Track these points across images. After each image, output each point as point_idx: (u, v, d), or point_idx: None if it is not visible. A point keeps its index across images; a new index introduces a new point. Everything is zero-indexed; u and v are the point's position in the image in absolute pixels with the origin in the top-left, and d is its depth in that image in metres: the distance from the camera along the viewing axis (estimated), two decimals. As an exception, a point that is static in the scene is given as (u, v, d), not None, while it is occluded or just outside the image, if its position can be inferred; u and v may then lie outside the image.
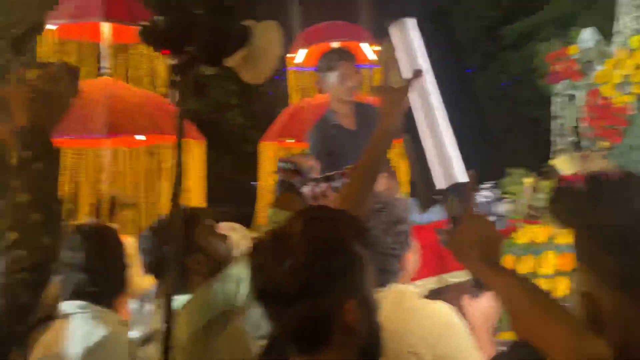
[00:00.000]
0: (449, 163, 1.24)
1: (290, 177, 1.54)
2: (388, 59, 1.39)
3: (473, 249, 1.03)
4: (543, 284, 2.19)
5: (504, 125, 9.48)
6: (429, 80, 1.33)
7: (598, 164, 3.68)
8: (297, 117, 4.63)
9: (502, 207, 1.31)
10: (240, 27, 1.08)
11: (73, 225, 1.61)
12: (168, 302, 1.05)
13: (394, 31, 1.41)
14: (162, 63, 3.86)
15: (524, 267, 2.30)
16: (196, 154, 3.91)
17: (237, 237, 3.16)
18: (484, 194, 1.33)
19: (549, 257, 2.33)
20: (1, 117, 0.99)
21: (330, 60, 2.80)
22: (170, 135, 3.73)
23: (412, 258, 1.54)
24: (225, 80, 8.73)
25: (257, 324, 1.55)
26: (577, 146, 4.10)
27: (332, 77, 2.77)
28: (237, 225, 3.33)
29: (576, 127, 4.11)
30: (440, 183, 1.25)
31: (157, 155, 3.90)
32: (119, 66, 3.81)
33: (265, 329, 1.55)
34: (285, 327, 0.95)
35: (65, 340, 1.44)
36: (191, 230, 1.56)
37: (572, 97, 4.18)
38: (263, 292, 0.95)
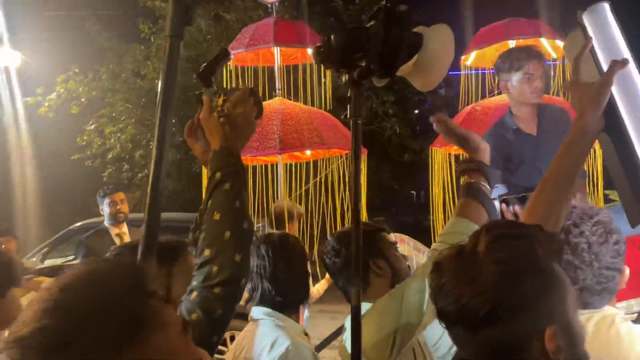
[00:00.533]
0: None
1: (476, 177, 1.43)
2: (579, 51, 1.23)
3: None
4: None
5: None
6: (634, 71, 1.15)
7: None
8: (470, 120, 4.45)
9: None
10: (412, 34, 1.04)
11: (261, 235, 1.71)
12: (356, 312, 1.05)
13: (587, 19, 1.25)
14: (328, 80, 4.03)
15: None
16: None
17: (406, 248, 3.13)
18: None
19: None
20: (196, 139, 1.08)
21: (514, 60, 2.62)
22: (335, 149, 3.87)
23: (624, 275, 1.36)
24: (382, 90, 8.80)
25: (434, 341, 1.48)
26: None
27: (516, 78, 2.59)
28: (405, 237, 3.30)
29: None
30: None
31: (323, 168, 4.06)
32: (290, 86, 4.08)
33: (444, 350, 1.48)
34: (474, 355, 0.88)
35: (253, 346, 1.53)
36: (374, 240, 1.57)
37: None
38: (447, 314, 0.89)
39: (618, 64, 1.14)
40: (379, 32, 1.02)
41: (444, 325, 0.91)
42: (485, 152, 1.39)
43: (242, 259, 0.96)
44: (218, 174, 0.99)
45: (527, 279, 0.84)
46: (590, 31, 1.22)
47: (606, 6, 1.22)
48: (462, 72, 5.10)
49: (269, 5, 4.25)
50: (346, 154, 3.95)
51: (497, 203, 1.84)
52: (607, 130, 1.18)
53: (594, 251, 1.28)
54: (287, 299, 1.59)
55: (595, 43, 1.21)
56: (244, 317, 1.62)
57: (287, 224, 3.38)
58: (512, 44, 4.31)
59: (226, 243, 0.96)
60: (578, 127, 1.17)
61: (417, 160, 9.87)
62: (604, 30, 1.21)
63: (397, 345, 1.32)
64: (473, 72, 5.13)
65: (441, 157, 4.82)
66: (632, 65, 1.16)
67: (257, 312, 1.61)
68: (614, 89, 1.15)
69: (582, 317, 1.30)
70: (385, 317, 1.37)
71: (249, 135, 1.09)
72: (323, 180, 4.06)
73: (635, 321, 1.39)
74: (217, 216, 0.96)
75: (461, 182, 1.42)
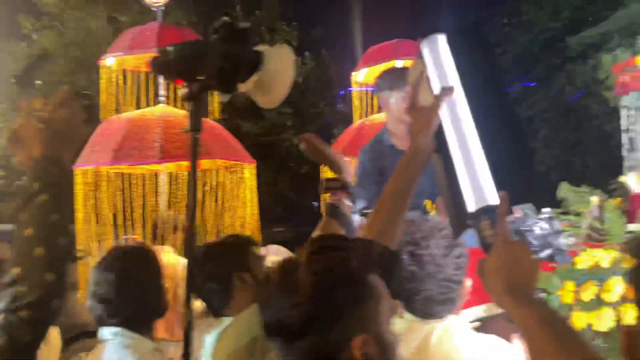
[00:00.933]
0: (479, 184, 1.15)
1: (339, 196, 1.49)
2: (419, 77, 1.33)
3: (501, 279, 0.95)
4: (608, 312, 2.00)
5: (573, 140, 9.00)
6: (460, 98, 1.26)
7: (673, 180, 3.38)
8: (360, 135, 4.62)
9: (565, 240, 1.20)
10: (252, 52, 1.07)
11: (109, 249, 1.63)
12: (187, 333, 1.03)
13: (424, 47, 1.35)
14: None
15: (587, 294, 2.11)
16: (247, 176, 3.96)
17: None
18: (540, 225, 1.23)
19: (614, 284, 2.13)
20: (19, 148, 0.99)
21: (394, 79, 2.74)
22: (221, 159, 3.82)
23: (468, 283, 1.46)
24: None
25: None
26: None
27: (393, 97, 2.72)
28: (282, 249, 3.32)
29: (649, 141, 3.81)
30: (471, 206, 1.16)
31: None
32: (175, 93, 3.96)
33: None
34: None
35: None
36: (240, 253, 1.57)
37: (643, 109, 3.89)
38: (268, 326, 0.90)
39: (447, 91, 1.24)
40: (219, 46, 1.03)
41: (269, 338, 0.92)
42: (349, 173, 1.46)
43: (55, 278, 0.89)
44: (35, 185, 0.92)
45: (341, 290, 0.87)
46: (427, 59, 1.33)
47: (441, 38, 1.34)
48: (354, 89, 5.30)
49: (155, 9, 4.12)
50: (236, 164, 3.93)
51: (357, 217, 1.92)
52: (437, 151, 1.28)
53: (437, 263, 1.36)
54: (136, 315, 1.52)
55: (429, 70, 1.31)
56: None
57: (170, 236, 3.28)
58: (399, 63, 4.53)
59: (37, 261, 0.89)
60: (412, 147, 1.25)
61: (316, 171, 10.05)
62: (438, 59, 1.32)
63: (259, 353, 1.32)
64: (364, 89, 5.35)
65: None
66: (459, 92, 1.27)
67: (105, 332, 1.52)
68: (443, 114, 1.26)
69: (426, 326, 1.39)
70: (245, 328, 1.36)
71: (78, 142, 1.01)
72: (209, 190, 4.00)
73: (477, 330, 1.51)
74: (28, 231, 0.89)
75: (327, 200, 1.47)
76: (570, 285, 2.12)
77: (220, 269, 1.57)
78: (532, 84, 9.85)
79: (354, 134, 4.60)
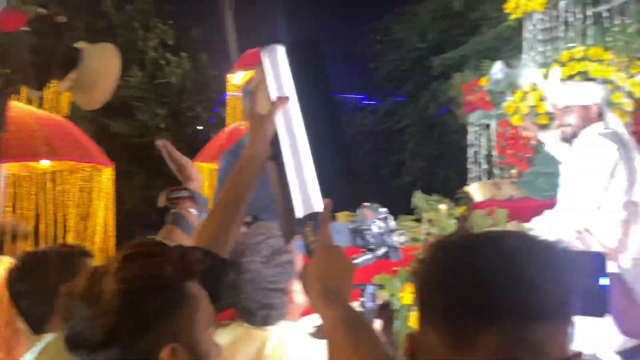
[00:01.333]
0: (307, 192, 1.20)
1: (185, 205, 1.45)
2: (258, 84, 1.35)
3: (317, 283, 0.99)
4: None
5: (436, 152, 9.76)
6: (294, 108, 1.30)
7: (508, 191, 3.81)
8: (230, 140, 4.56)
9: (398, 238, 1.28)
10: (69, 48, 1.00)
11: None
12: None
13: (264, 57, 1.38)
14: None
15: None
16: (103, 180, 3.72)
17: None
18: (377, 224, 1.30)
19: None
20: None
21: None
22: (71, 160, 3.54)
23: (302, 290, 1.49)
24: (154, 103, 8.54)
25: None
26: (490, 173, 4.25)
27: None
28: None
29: (490, 155, 4.26)
30: (299, 212, 1.20)
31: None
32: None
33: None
34: None
35: None
36: (70, 264, 1.45)
37: (487, 127, 4.35)
38: (70, 338, 0.85)
39: (281, 101, 1.27)
40: (29, 39, 0.95)
41: (70, 350, 0.87)
42: (199, 182, 1.43)
43: None
44: None
45: (150, 298, 0.84)
46: (267, 68, 1.36)
47: (280, 48, 1.37)
48: (230, 93, 5.25)
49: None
50: (91, 166, 3.67)
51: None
52: (273, 158, 1.31)
53: (255, 270, 1.38)
54: None
55: (267, 79, 1.34)
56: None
57: (8, 245, 2.97)
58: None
59: None
60: (247, 154, 1.26)
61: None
62: (277, 69, 1.35)
63: None
64: (240, 93, 5.33)
65: (207, 172, 4.85)
66: (293, 103, 1.30)
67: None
68: (278, 123, 1.29)
69: (261, 334, 1.40)
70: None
71: None
72: (61, 194, 3.69)
73: (313, 335, 1.56)
74: None
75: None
76: (409, 287, 2.29)
77: (40, 281, 1.45)
78: (402, 99, 10.54)
79: (225, 138, 4.55)
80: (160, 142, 1.45)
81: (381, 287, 2.12)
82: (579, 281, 0.75)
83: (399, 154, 9.83)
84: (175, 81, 8.70)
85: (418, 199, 3.23)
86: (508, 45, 7.74)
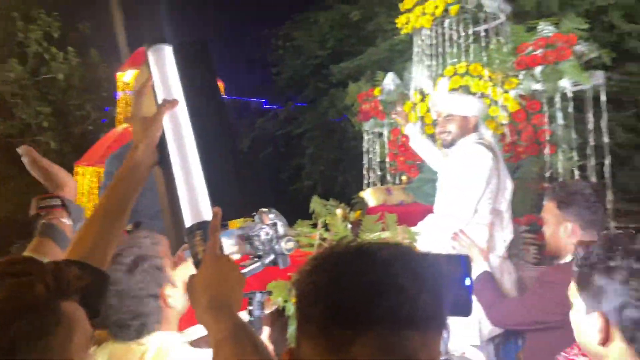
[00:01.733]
0: (196, 199, 1.16)
1: (57, 215, 1.33)
2: (143, 85, 1.28)
3: (206, 295, 0.97)
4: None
5: (334, 158, 9.99)
6: (182, 111, 1.25)
7: (399, 196, 4.00)
8: (119, 142, 4.31)
9: (286, 245, 1.28)
10: None
11: None
12: None
13: (150, 56, 1.31)
14: None
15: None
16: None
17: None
18: (265, 231, 1.29)
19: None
20: None
21: None
22: None
23: (178, 294, 1.44)
24: (36, 100, 7.85)
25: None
26: (383, 179, 4.44)
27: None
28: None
29: (383, 161, 4.46)
30: (188, 220, 1.16)
31: None
32: None
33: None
34: None
35: None
36: None
37: (380, 135, 4.54)
38: None
39: (169, 104, 1.22)
40: None
41: None
42: (72, 189, 1.33)
43: None
44: None
45: (18, 321, 0.77)
46: (153, 68, 1.30)
47: (168, 48, 1.32)
48: (121, 92, 4.99)
49: None
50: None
51: None
52: (160, 163, 1.25)
53: (120, 280, 1.32)
54: None
55: (154, 80, 1.28)
56: None
57: None
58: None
59: None
60: (130, 159, 1.19)
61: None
62: (164, 70, 1.29)
63: None
64: (132, 92, 5.07)
65: (91, 176, 4.57)
66: (182, 106, 1.26)
67: None
68: (165, 126, 1.24)
69: (139, 347, 1.33)
70: None
71: None
72: None
73: (194, 345, 1.52)
74: None
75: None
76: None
77: None
78: (303, 105, 10.69)
79: (113, 140, 4.31)
80: (21, 149, 1.33)
81: (269, 293, 2.12)
82: (448, 287, 0.80)
83: (299, 158, 9.94)
84: (61, 77, 8.04)
85: (315, 203, 3.28)
86: (401, 57, 8.15)
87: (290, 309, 2.32)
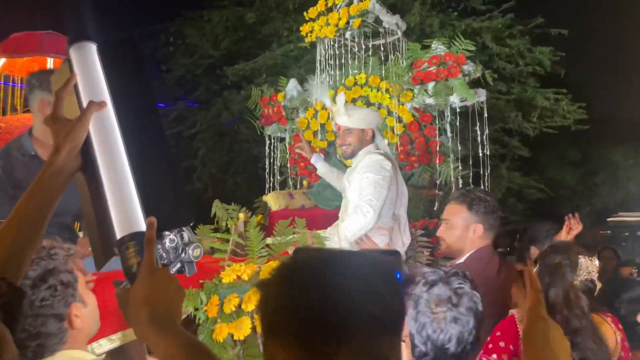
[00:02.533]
0: (127, 208, 1.09)
1: None
2: (64, 85, 1.18)
3: (145, 310, 0.92)
4: (247, 321, 2.20)
5: (226, 160, 9.84)
6: (109, 114, 1.17)
7: (300, 200, 4.08)
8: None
9: (193, 252, 1.24)
10: None
11: None
12: None
13: (73, 53, 1.22)
14: None
15: (229, 306, 2.28)
16: None
17: None
18: (170, 238, 1.24)
19: (253, 294, 2.36)
20: None
21: (44, 80, 2.35)
22: None
23: (88, 314, 1.35)
24: None
25: None
26: (285, 184, 4.49)
27: (45, 99, 2.34)
28: None
29: (285, 166, 4.50)
30: (118, 232, 1.09)
31: None
32: None
33: None
34: None
35: None
36: None
37: (282, 139, 4.58)
38: None
39: (95, 105, 1.14)
40: None
41: None
42: None
43: None
44: None
45: None
46: (76, 67, 1.20)
47: (93, 47, 1.23)
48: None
49: None
50: None
51: None
52: (84, 169, 1.16)
53: (32, 298, 1.24)
54: None
55: (79, 80, 1.19)
56: None
57: None
58: (51, 60, 4.06)
59: None
60: (50, 163, 1.09)
61: None
62: (89, 69, 1.20)
63: None
64: (2, 83, 4.58)
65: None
66: (110, 109, 1.18)
67: None
68: (92, 129, 1.15)
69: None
70: None
71: None
72: None
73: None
74: None
75: None
76: (215, 299, 2.28)
77: None
78: (194, 105, 10.37)
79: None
80: None
81: None
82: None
83: (189, 160, 9.63)
84: None
85: (217, 208, 3.22)
86: (296, 63, 8.29)
87: (201, 317, 2.27)
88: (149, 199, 1.12)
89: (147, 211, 1.09)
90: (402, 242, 3.06)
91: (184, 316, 2.28)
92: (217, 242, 3.12)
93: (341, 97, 3.50)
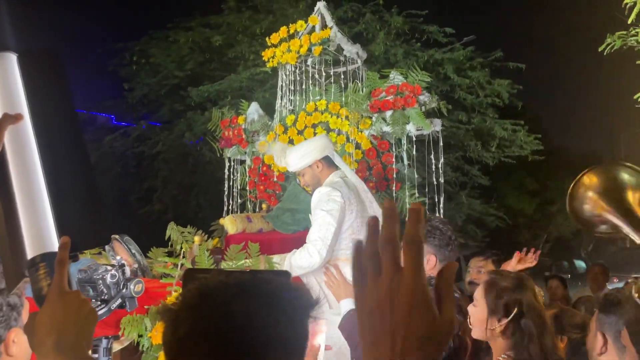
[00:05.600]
0: (40, 226, 1.06)
1: None
2: None
3: (51, 336, 0.88)
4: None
5: (188, 182, 9.72)
6: (27, 127, 1.14)
7: (258, 224, 4.05)
8: None
9: (134, 287, 1.21)
10: None
11: None
12: None
13: None
14: None
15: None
16: None
17: None
18: (111, 274, 1.21)
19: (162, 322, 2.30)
20: None
21: None
22: None
23: (25, 344, 1.29)
24: None
25: None
26: (244, 207, 4.46)
27: None
28: None
29: (245, 189, 4.48)
30: (30, 251, 1.05)
31: None
32: None
33: None
34: None
35: None
36: None
37: (243, 162, 4.57)
38: None
39: (10, 118, 1.11)
40: None
41: None
42: None
43: None
44: None
45: None
46: None
47: (13, 57, 1.20)
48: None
49: None
50: None
51: None
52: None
53: None
54: None
55: None
56: None
57: None
58: None
59: None
60: None
61: None
62: (7, 80, 1.17)
63: None
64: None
65: None
66: (27, 121, 1.15)
67: None
68: (6, 143, 1.12)
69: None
70: None
71: None
72: None
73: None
74: None
75: None
76: (160, 325, 2.22)
77: None
78: (157, 124, 10.25)
79: None
80: None
81: (116, 338, 1.99)
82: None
83: (150, 180, 9.46)
84: None
85: (172, 230, 3.16)
86: (262, 87, 8.34)
87: (145, 344, 2.20)
88: (64, 217, 1.09)
89: (62, 230, 1.06)
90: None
91: (127, 343, 2.21)
92: (170, 265, 3.06)
93: (275, 149, 3.55)
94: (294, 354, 0.74)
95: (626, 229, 0.87)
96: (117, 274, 1.21)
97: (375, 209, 3.07)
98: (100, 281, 1.14)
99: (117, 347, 2.12)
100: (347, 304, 2.55)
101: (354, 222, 2.94)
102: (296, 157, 3.07)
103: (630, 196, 0.91)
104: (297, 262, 2.85)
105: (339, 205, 2.86)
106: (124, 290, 1.23)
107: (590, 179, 0.94)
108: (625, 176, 0.92)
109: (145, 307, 2.23)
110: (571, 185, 0.98)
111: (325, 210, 2.85)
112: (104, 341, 1.21)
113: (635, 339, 1.19)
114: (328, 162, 3.10)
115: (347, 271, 2.88)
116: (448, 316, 0.58)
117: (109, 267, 1.20)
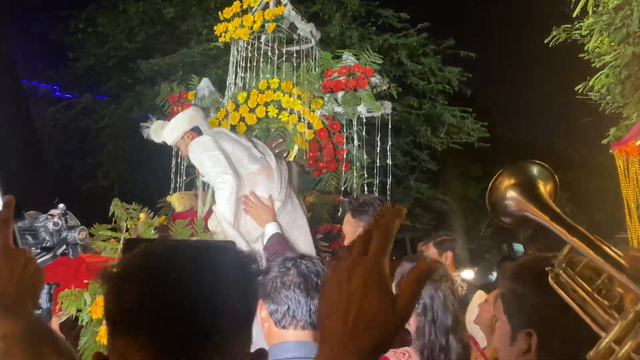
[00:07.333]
0: None
1: None
2: None
3: None
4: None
5: (136, 158, 9.44)
6: None
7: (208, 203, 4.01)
8: None
9: (78, 235, 1.20)
10: None
11: None
12: None
13: None
14: None
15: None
16: None
17: None
18: (53, 221, 1.19)
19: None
20: None
21: None
22: None
23: None
24: None
25: None
26: (192, 184, 4.39)
27: None
28: None
29: (192, 166, 4.40)
30: None
31: None
32: None
33: None
34: None
35: None
36: None
37: (191, 139, 4.47)
38: None
39: None
40: None
41: None
42: None
43: None
44: None
45: None
46: None
47: None
48: None
49: None
50: None
51: None
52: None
53: None
54: None
55: None
56: None
57: None
58: None
59: None
60: None
61: None
62: None
63: None
64: None
65: None
66: None
67: None
68: None
69: None
70: None
71: None
72: None
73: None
74: None
75: None
76: (100, 300, 2.18)
77: None
78: (103, 97, 9.85)
79: None
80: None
81: (58, 285, 1.95)
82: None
83: (96, 155, 9.12)
84: None
85: (116, 207, 3.09)
86: (215, 62, 8.16)
87: (85, 319, 2.16)
88: (8, 177, 1.07)
89: (6, 190, 1.04)
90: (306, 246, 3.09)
91: (65, 317, 2.16)
92: (113, 241, 2.98)
93: (153, 127, 3.68)
94: (243, 323, 0.74)
95: (547, 225, 0.93)
96: (60, 222, 1.19)
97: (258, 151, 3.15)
98: (42, 229, 1.11)
99: (55, 321, 2.07)
100: (272, 228, 2.68)
101: (233, 151, 3.07)
102: (167, 132, 3.31)
103: (542, 187, 0.98)
104: (220, 201, 2.87)
105: (210, 140, 3.05)
106: (68, 237, 1.21)
107: (507, 179, 0.99)
108: (534, 170, 0.99)
109: (85, 281, 2.19)
110: (489, 187, 1.03)
111: (201, 150, 3.02)
112: (46, 286, 1.19)
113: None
114: (198, 133, 3.28)
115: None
116: (404, 306, 0.59)
117: (50, 215, 1.17)
